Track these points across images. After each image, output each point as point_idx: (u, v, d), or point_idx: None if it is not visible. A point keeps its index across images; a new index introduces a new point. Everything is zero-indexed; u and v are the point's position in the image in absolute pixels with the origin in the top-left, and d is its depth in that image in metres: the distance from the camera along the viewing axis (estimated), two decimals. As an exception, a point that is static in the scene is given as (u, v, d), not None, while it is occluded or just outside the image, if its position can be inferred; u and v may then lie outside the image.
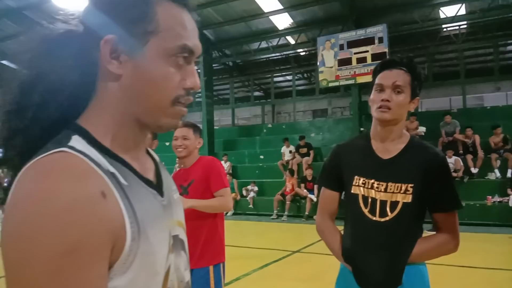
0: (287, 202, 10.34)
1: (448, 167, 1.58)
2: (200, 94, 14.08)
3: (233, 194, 11.44)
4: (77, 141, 0.61)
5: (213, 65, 15.22)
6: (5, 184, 0.64)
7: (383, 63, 1.60)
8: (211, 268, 2.45)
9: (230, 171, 12.21)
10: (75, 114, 0.67)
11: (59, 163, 0.56)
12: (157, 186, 0.72)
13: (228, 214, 10.71)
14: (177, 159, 2.45)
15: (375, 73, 1.61)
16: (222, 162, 12.55)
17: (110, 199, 0.57)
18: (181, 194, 2.51)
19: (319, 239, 6.24)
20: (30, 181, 0.55)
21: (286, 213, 10.24)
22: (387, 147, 1.58)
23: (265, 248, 6.81)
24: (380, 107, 1.52)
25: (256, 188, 11.49)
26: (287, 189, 10.62)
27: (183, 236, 0.77)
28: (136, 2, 0.64)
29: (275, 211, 10.49)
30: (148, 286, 0.63)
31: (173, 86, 0.66)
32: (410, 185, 1.50)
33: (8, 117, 0.64)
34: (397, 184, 1.51)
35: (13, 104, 0.64)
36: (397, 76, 1.52)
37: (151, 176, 0.73)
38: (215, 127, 14.90)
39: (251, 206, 11.21)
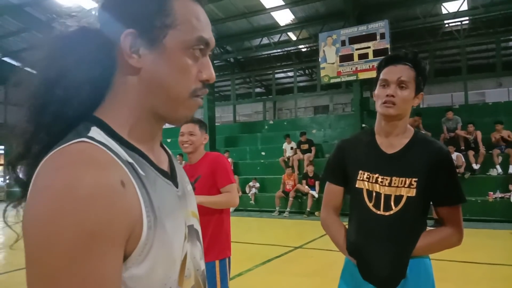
0: (290, 199, 10.35)
1: (452, 161, 1.59)
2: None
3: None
4: (96, 132, 0.63)
5: (215, 62, 15.21)
6: (24, 179, 0.66)
7: (388, 58, 1.60)
8: (217, 262, 2.48)
9: (232, 168, 12.22)
10: (93, 107, 0.68)
11: (81, 153, 0.58)
12: (171, 177, 0.74)
13: (230, 210, 10.73)
14: (177, 155, 2.50)
15: (379, 68, 1.61)
16: (224, 158, 12.58)
17: (129, 189, 0.59)
18: None
19: (321, 235, 6.26)
20: (53, 169, 0.56)
21: (288, 209, 10.27)
22: (392, 142, 1.59)
23: (267, 244, 6.83)
24: (385, 102, 1.53)
25: (257, 185, 11.51)
26: (288, 186, 10.62)
27: (197, 226, 0.79)
28: None
29: (277, 208, 10.52)
30: (167, 274, 0.64)
31: (192, 79, 0.68)
32: (414, 179, 1.51)
33: (32, 113, 0.65)
34: (401, 178, 1.52)
35: (37, 100, 0.65)
36: (402, 72, 1.53)
37: (165, 167, 0.74)
38: (216, 124, 14.92)
39: (252, 202, 11.24)
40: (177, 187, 0.74)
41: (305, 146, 11.63)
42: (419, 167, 1.52)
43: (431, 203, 1.59)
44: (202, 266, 0.78)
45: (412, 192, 1.50)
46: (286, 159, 11.90)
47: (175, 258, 0.67)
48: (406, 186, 1.51)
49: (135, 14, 0.65)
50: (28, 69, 0.68)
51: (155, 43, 0.65)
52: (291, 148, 12.00)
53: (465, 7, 11.46)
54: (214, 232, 2.51)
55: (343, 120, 14.29)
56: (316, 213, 9.40)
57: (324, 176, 1.78)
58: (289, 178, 10.69)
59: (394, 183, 1.53)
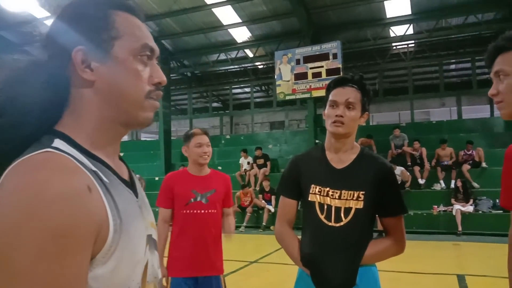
0: (247, 214, 10.36)
1: (395, 176, 1.74)
2: (157, 104, 13.87)
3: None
4: (60, 143, 0.66)
5: (171, 75, 15.11)
6: None
7: (336, 81, 1.74)
8: (221, 277, 2.72)
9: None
10: (54, 122, 0.71)
11: (47, 160, 0.61)
12: (132, 187, 0.78)
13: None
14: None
15: (328, 89, 1.74)
16: (180, 173, 12.41)
17: (95, 194, 0.62)
18: (194, 199, 2.57)
19: (277, 249, 6.30)
20: (21, 174, 0.59)
21: (244, 224, 10.28)
22: (341, 158, 1.71)
23: (223, 259, 6.79)
24: (334, 122, 1.65)
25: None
26: (245, 203, 10.60)
27: (155, 236, 0.83)
28: (96, 14, 0.71)
29: (233, 222, 10.45)
30: (129, 277, 0.68)
31: (144, 82, 0.73)
32: (361, 192, 1.63)
33: None
34: (350, 192, 1.64)
35: None
36: (350, 94, 1.66)
37: (126, 177, 0.78)
38: (172, 138, 14.73)
39: None
40: (137, 197, 0.78)
41: (261, 161, 11.76)
42: (365, 181, 1.64)
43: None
44: (159, 275, 0.81)
45: (360, 204, 1.62)
46: (243, 174, 11.96)
47: (138, 262, 0.70)
48: (354, 198, 1.63)
49: (82, 32, 0.70)
50: None
51: (104, 55, 0.70)
52: (248, 163, 12.09)
53: (411, 31, 12.25)
54: (219, 247, 2.69)
55: (298, 136, 14.63)
56: (272, 227, 9.48)
57: (278, 190, 1.86)
58: (245, 195, 10.66)
59: (344, 196, 1.64)
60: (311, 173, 1.73)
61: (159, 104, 0.77)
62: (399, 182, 9.85)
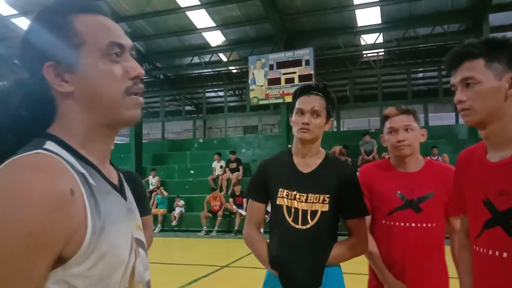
0: (218, 218, 10.33)
1: (357, 179, 1.81)
2: (129, 107, 13.65)
3: (162, 210, 11.18)
4: (51, 145, 0.68)
5: (144, 78, 14.86)
6: None
7: (302, 89, 1.80)
8: None
9: (159, 185, 11.96)
10: (46, 126, 0.74)
11: (36, 161, 0.64)
12: (121, 190, 0.80)
13: (156, 230, 10.42)
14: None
15: (294, 97, 1.80)
16: (150, 177, 12.25)
17: (77, 197, 0.65)
18: (401, 208, 1.82)
19: (248, 253, 6.31)
20: (7, 176, 0.62)
21: (216, 228, 10.24)
22: (307, 162, 1.77)
23: (194, 264, 6.76)
24: (301, 129, 1.71)
25: (182, 202, 11.30)
26: (215, 207, 10.55)
27: (142, 238, 0.84)
28: (57, 25, 0.72)
29: (204, 227, 10.43)
30: (109, 274, 0.69)
31: (119, 80, 0.74)
32: (327, 195, 1.69)
33: None
34: (316, 195, 1.70)
35: None
36: (315, 102, 1.72)
37: (115, 182, 0.80)
38: (143, 141, 14.53)
39: (174, 222, 10.92)
40: (126, 200, 0.80)
41: (234, 165, 11.77)
42: (330, 184, 1.71)
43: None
44: (147, 277, 0.82)
45: (326, 207, 1.68)
46: (216, 178, 11.93)
47: (120, 263, 0.72)
48: (320, 201, 1.69)
49: (48, 46, 0.71)
50: None
51: (74, 64, 0.72)
52: (221, 166, 12.06)
53: (380, 40, 12.60)
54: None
55: (271, 140, 14.73)
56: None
57: (247, 194, 1.90)
58: (215, 199, 10.61)
59: (310, 199, 1.70)
60: (279, 177, 1.77)
61: (142, 100, 0.78)
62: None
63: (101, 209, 0.69)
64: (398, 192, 1.83)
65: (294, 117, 1.76)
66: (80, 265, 0.65)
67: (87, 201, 0.66)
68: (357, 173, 1.88)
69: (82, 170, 0.69)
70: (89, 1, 0.77)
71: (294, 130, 1.75)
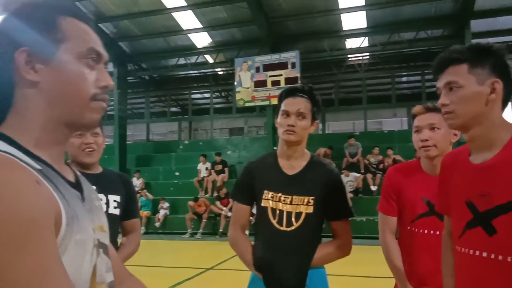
0: (203, 220, 10.28)
1: (342, 182, 1.83)
2: (112, 107, 13.53)
3: (146, 212, 11.08)
4: (1, 144, 0.66)
5: (128, 78, 14.78)
6: None
7: (287, 91, 1.81)
8: None
9: (143, 187, 11.85)
10: None
11: None
12: (79, 189, 0.78)
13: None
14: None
15: (280, 99, 1.81)
16: (134, 179, 12.13)
17: (44, 187, 0.63)
18: (426, 214, 1.73)
19: (233, 255, 6.31)
20: None
21: (201, 231, 10.19)
22: (292, 164, 1.77)
23: (179, 267, 6.71)
24: (287, 131, 1.71)
25: (166, 205, 11.22)
26: (200, 210, 10.48)
27: (105, 240, 0.82)
28: (43, 17, 0.72)
29: (189, 230, 10.37)
30: (79, 273, 0.68)
31: (89, 84, 0.74)
32: (311, 197, 1.70)
33: None
34: (300, 197, 1.71)
35: None
36: (301, 104, 1.73)
37: (72, 180, 0.78)
38: (128, 142, 14.37)
39: (157, 224, 10.83)
40: (84, 200, 0.78)
41: (219, 167, 11.75)
42: (315, 186, 1.72)
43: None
44: (108, 278, 0.81)
45: (310, 209, 1.69)
46: (201, 180, 11.88)
47: (86, 259, 0.70)
48: (305, 204, 1.70)
49: (28, 33, 0.71)
50: None
51: (50, 57, 0.71)
52: (206, 168, 12.02)
53: (366, 44, 12.75)
54: None
55: (257, 142, 14.75)
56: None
57: (232, 196, 1.89)
58: (199, 206, 10.52)
59: (295, 201, 1.71)
60: (264, 179, 1.78)
61: (105, 105, 0.79)
62: (353, 189, 10.21)
63: (69, 201, 0.67)
64: (425, 198, 1.73)
65: (279, 119, 1.76)
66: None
67: (55, 192, 0.65)
68: (340, 176, 1.89)
69: (38, 167, 0.67)
70: (79, 9, 0.79)
71: (280, 131, 1.75)
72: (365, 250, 7.98)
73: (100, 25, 12.29)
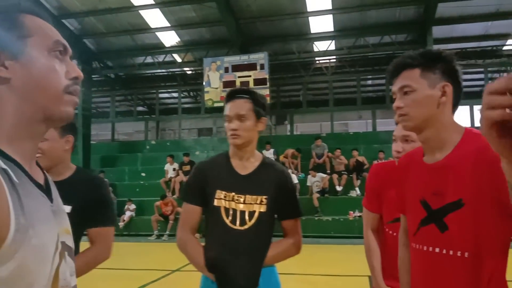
0: (170, 222, 10.15)
1: (293, 182, 1.87)
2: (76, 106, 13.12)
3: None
4: None
5: (93, 76, 14.39)
6: None
7: (228, 95, 1.82)
8: None
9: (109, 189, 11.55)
10: None
11: None
12: (46, 191, 0.77)
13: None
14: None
15: (225, 104, 1.81)
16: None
17: None
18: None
19: (199, 256, 6.06)
20: None
21: (167, 232, 10.06)
22: (245, 164, 1.79)
23: (143, 269, 6.59)
24: (231, 135, 1.74)
25: (133, 206, 11.00)
26: (167, 212, 10.35)
27: (70, 243, 0.81)
28: (5, 15, 0.73)
29: (155, 232, 10.21)
30: (34, 279, 0.66)
31: (60, 76, 0.75)
32: (264, 196, 1.73)
33: None
34: (253, 196, 1.73)
35: None
36: (240, 106, 1.74)
37: (41, 182, 0.77)
38: (92, 142, 13.99)
39: (121, 224, 10.55)
40: (51, 202, 0.77)
41: (187, 168, 11.62)
42: (267, 186, 1.75)
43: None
44: (73, 282, 0.80)
45: (264, 208, 1.72)
46: (168, 181, 11.72)
47: (45, 264, 0.69)
48: (258, 203, 1.72)
49: None
50: None
51: (18, 53, 0.72)
52: (174, 169, 11.88)
53: (332, 47, 13.01)
54: None
55: (226, 143, 14.17)
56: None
57: (182, 197, 1.87)
58: (166, 205, 10.43)
59: (248, 201, 1.73)
60: (217, 179, 1.78)
61: (77, 99, 0.79)
62: (320, 189, 10.38)
63: (25, 207, 0.66)
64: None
65: (225, 124, 1.78)
66: (4, 266, 0.61)
67: (9, 197, 0.63)
68: (292, 176, 1.92)
69: (4, 166, 0.66)
70: (38, 7, 0.80)
71: (227, 135, 1.77)
72: (331, 249, 8.09)
73: (63, 21, 11.91)
